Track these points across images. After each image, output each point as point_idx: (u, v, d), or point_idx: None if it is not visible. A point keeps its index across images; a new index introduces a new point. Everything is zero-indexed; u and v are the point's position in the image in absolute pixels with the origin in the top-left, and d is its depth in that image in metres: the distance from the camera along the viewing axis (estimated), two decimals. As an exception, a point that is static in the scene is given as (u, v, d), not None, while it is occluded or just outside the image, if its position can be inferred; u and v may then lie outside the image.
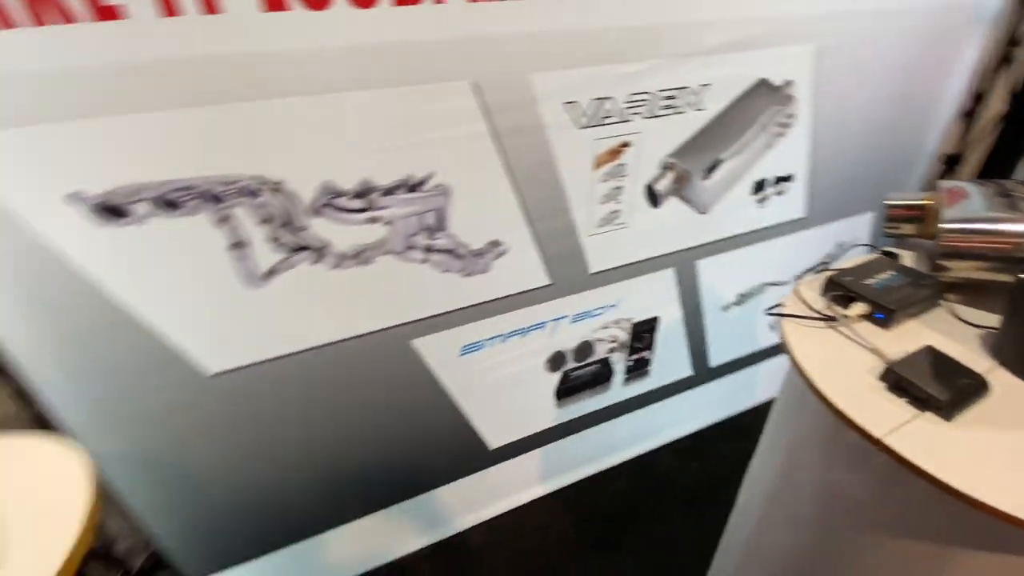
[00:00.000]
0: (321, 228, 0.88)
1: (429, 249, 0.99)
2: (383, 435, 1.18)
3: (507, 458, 1.43)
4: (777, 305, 0.78)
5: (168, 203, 0.76)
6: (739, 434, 1.00)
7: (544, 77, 0.91)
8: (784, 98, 1.17)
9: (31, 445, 0.56)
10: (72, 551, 0.45)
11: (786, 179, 1.32)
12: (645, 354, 1.47)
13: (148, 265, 0.80)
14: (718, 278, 1.42)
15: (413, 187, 0.91)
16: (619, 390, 1.49)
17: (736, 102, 1.12)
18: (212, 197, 0.78)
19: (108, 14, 0.63)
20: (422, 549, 1.43)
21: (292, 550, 1.25)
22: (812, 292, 0.80)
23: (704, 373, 1.62)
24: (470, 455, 1.36)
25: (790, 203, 1.37)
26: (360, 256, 0.94)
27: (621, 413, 1.54)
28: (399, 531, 1.39)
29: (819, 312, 0.75)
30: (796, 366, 0.67)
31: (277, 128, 0.78)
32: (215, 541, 1.15)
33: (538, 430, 1.43)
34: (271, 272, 0.88)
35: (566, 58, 0.90)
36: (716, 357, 1.61)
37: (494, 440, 1.37)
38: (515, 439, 1.40)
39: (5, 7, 0.60)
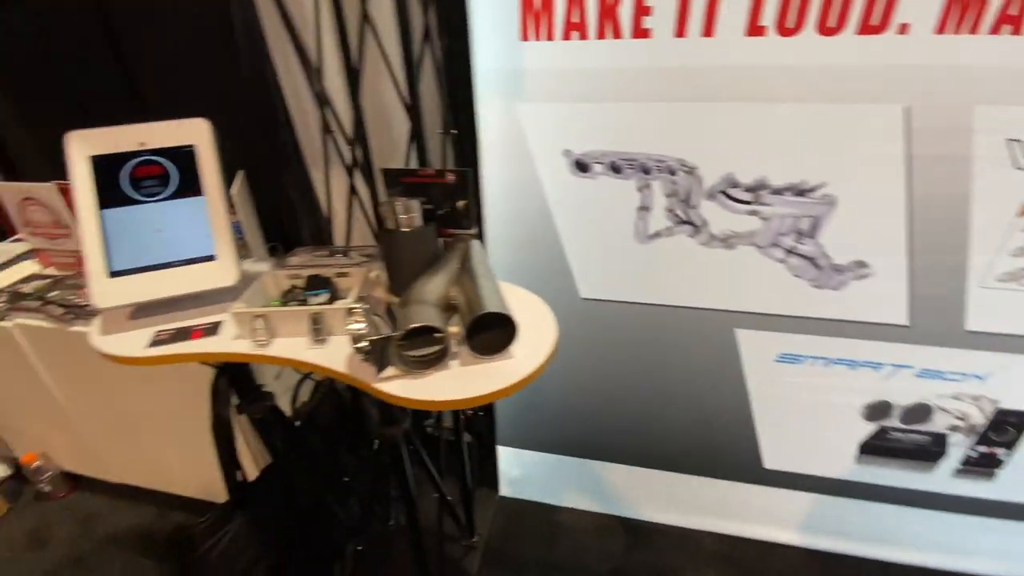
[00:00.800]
0: (707, 210, 1.07)
1: (791, 251, 1.08)
2: (677, 402, 1.33)
3: (776, 485, 1.40)
4: None
5: (615, 167, 1.07)
6: None
7: (991, 110, 0.88)
8: None
9: (524, 294, 0.94)
10: (551, 351, 0.76)
11: None
12: (999, 451, 1.21)
13: (584, 206, 1.13)
14: None
15: (801, 192, 1.01)
16: (944, 480, 1.27)
17: None
18: (644, 169, 1.06)
19: (642, 34, 0.94)
20: (660, 524, 1.54)
21: (564, 460, 1.54)
22: None
23: (1088, 517, 1.23)
24: (741, 463, 1.39)
25: None
26: (727, 240, 1.10)
27: (935, 507, 1.31)
28: (649, 495, 1.53)
29: None
30: None
31: (711, 124, 0.99)
32: (528, 423, 1.51)
33: (823, 475, 1.35)
34: (656, 235, 1.13)
35: (1032, 93, 0.85)
36: (1120, 505, 1.20)
37: (771, 460, 1.37)
38: (794, 471, 1.37)
39: (586, 25, 0.96)
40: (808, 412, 1.26)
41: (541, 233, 1.18)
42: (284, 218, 1.35)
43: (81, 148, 0.85)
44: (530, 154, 1.10)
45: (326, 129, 1.16)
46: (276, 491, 1.11)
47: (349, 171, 1.21)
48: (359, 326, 0.69)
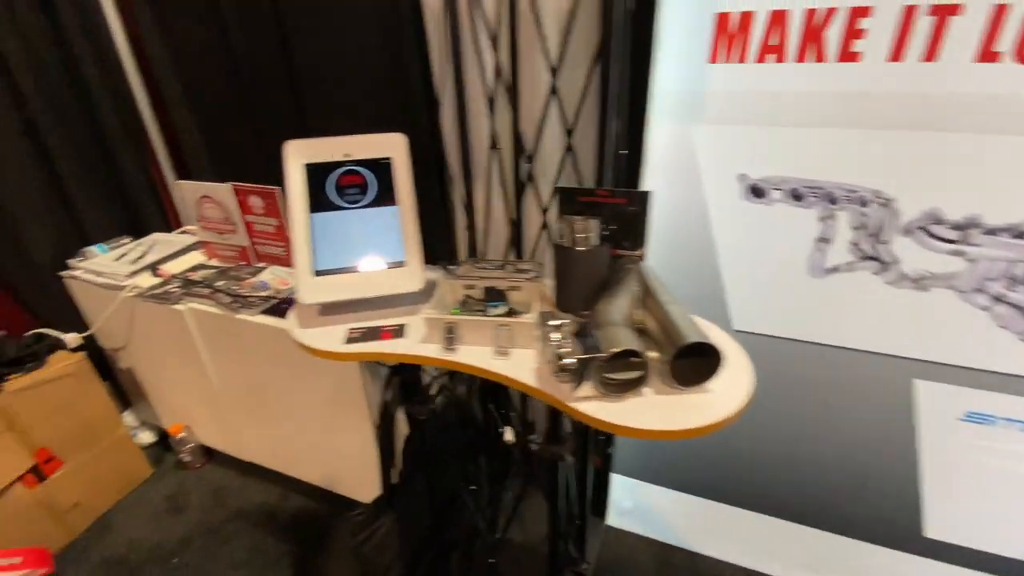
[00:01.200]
0: (900, 246, 0.99)
1: (999, 299, 0.96)
2: (829, 452, 1.23)
3: (937, 558, 1.24)
4: None
5: (796, 195, 1.02)
6: None
7: None
8: None
9: (717, 330, 0.89)
10: (752, 390, 0.72)
11: None
12: None
13: (752, 233, 1.08)
14: None
15: (1022, 234, 0.90)
16: None
17: None
18: (830, 198, 1.00)
19: (850, 58, 0.88)
20: (788, 581, 1.42)
21: (684, 498, 1.46)
22: None
23: None
24: (897, 527, 1.25)
25: None
26: (919, 281, 1.00)
27: None
28: (781, 549, 1.41)
29: None
30: None
31: (918, 155, 0.91)
32: (649, 454, 1.46)
33: (1000, 553, 1.18)
34: (833, 269, 1.05)
35: None
36: None
37: (935, 529, 1.22)
38: (963, 544, 1.21)
39: (785, 48, 0.92)
40: (992, 480, 1.11)
41: (698, 257, 1.14)
42: (431, 228, 1.39)
43: (297, 156, 0.93)
44: (698, 176, 1.07)
45: (493, 145, 1.19)
46: (420, 491, 1.14)
47: (522, 187, 1.22)
48: (562, 342, 0.69)
